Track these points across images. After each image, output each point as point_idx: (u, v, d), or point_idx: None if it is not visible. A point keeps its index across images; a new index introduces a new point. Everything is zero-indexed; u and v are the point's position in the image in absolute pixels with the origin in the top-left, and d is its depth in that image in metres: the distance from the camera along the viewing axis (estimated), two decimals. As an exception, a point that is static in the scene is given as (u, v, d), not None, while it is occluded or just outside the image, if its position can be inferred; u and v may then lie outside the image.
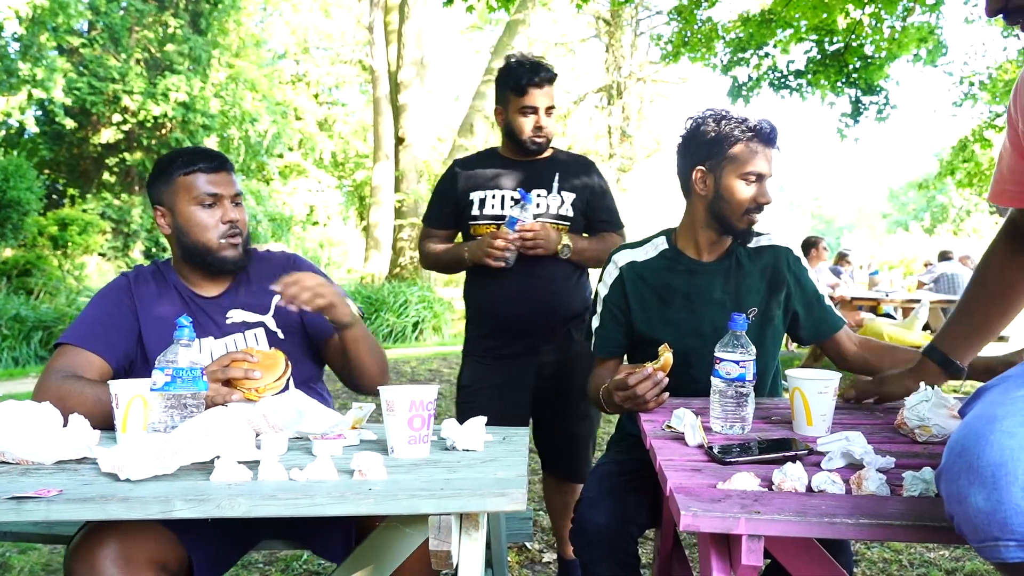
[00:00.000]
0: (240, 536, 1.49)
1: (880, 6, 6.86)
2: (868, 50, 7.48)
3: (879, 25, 7.26)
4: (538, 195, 2.18)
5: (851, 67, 7.48)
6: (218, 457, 1.09)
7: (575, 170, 2.24)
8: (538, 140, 2.17)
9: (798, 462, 1.07)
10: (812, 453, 1.20)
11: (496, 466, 1.17)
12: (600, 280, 1.78)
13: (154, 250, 14.17)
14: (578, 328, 2.21)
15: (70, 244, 12.55)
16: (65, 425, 1.26)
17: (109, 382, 1.29)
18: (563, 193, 2.19)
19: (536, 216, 2.15)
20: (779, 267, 1.70)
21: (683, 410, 1.32)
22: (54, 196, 14.79)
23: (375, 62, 14.37)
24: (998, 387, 0.89)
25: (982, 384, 0.95)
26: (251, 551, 1.60)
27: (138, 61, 13.95)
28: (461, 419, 1.35)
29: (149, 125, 13.76)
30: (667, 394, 1.48)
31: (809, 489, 1.03)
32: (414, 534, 1.19)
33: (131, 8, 14.02)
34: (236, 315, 1.63)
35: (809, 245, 7.12)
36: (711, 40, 7.69)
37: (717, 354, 1.36)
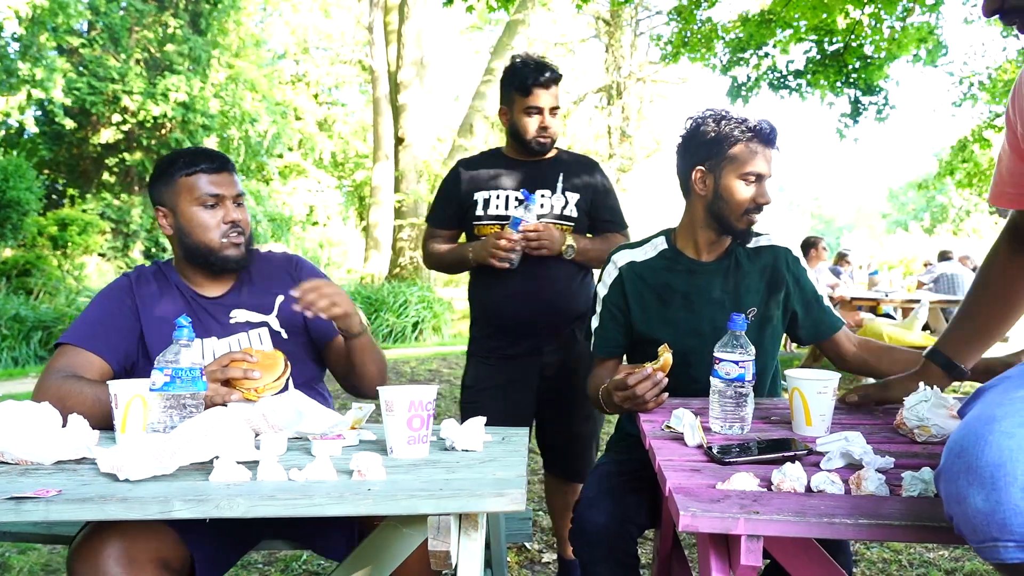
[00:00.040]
0: (242, 535, 1.49)
1: (880, 6, 6.86)
2: (868, 50, 7.48)
3: (879, 25, 7.26)
4: (542, 195, 2.18)
5: (850, 67, 7.48)
6: (217, 457, 1.09)
7: (579, 170, 2.24)
8: (543, 140, 2.17)
9: (797, 462, 1.07)
10: (811, 453, 1.20)
11: (495, 466, 1.17)
12: (599, 280, 1.78)
13: (154, 250, 14.17)
14: (582, 328, 2.21)
15: (70, 244, 12.56)
16: (64, 425, 1.26)
17: (108, 382, 1.29)
18: (567, 193, 2.19)
19: (540, 216, 2.14)
20: (778, 267, 1.70)
21: (682, 410, 1.32)
22: (54, 196, 14.80)
23: (375, 62, 14.37)
24: (997, 387, 0.89)
25: (981, 384, 0.95)
26: (251, 551, 1.60)
27: (138, 61, 13.96)
28: (465, 419, 1.35)
29: (149, 125, 13.76)
30: (666, 394, 1.48)
31: (808, 489, 1.03)
32: (413, 534, 1.19)
33: (131, 8, 14.03)
34: (240, 315, 1.63)
35: (809, 245, 7.13)
36: (711, 40, 7.69)
37: (716, 354, 1.36)
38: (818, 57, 7.63)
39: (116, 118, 13.55)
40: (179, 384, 1.23)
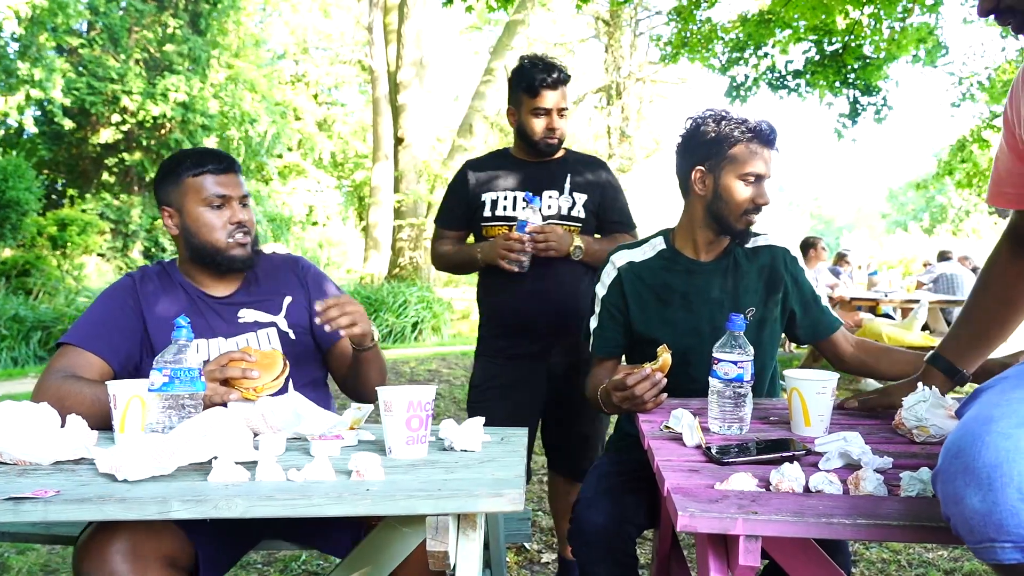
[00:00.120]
0: (244, 534, 1.49)
1: (879, 6, 6.86)
2: (867, 50, 7.48)
3: (878, 25, 7.26)
4: (549, 196, 2.17)
5: (850, 67, 7.49)
6: (216, 458, 1.09)
7: (587, 171, 2.24)
8: (550, 141, 2.16)
9: (796, 462, 1.07)
10: (810, 453, 1.20)
11: (494, 467, 1.17)
12: (598, 281, 1.78)
13: (153, 250, 14.17)
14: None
15: (69, 244, 12.55)
16: (63, 425, 1.26)
17: (107, 382, 1.29)
18: (575, 194, 2.18)
19: (547, 218, 2.14)
20: (776, 267, 1.70)
21: (681, 410, 1.32)
22: (53, 196, 14.80)
23: (374, 62, 14.37)
24: (995, 388, 0.89)
25: (979, 385, 0.95)
26: (252, 550, 1.60)
27: (137, 61, 13.95)
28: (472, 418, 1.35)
29: (148, 125, 13.76)
30: (665, 395, 1.48)
31: (807, 489, 1.03)
32: (412, 534, 1.19)
33: (130, 8, 14.03)
34: (248, 315, 1.64)
35: (808, 245, 7.13)
36: (710, 41, 7.70)
37: (715, 355, 1.36)
38: (817, 57, 7.63)
39: (115, 118, 13.55)
40: (178, 384, 1.23)
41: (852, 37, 7.32)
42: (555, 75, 2.12)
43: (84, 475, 1.11)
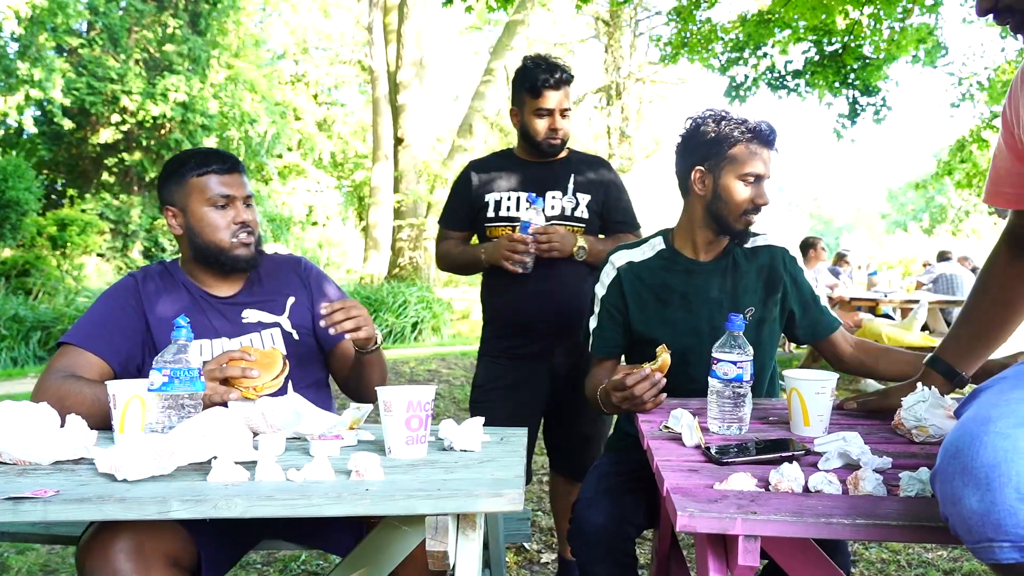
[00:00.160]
0: (246, 533, 1.50)
1: (879, 7, 6.86)
2: (867, 51, 7.48)
3: (878, 26, 7.26)
4: (553, 197, 2.17)
5: (849, 68, 7.49)
6: (215, 458, 1.09)
7: (590, 171, 2.23)
8: (553, 142, 2.16)
9: (795, 462, 1.07)
10: (809, 453, 1.20)
11: (493, 467, 1.17)
12: (598, 281, 1.78)
13: (153, 250, 14.17)
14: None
15: (69, 244, 12.56)
16: (63, 425, 1.26)
17: (107, 382, 1.29)
18: (578, 195, 2.18)
19: (550, 218, 2.14)
20: (775, 267, 1.71)
21: (680, 410, 1.32)
22: (53, 196, 14.80)
23: (374, 62, 14.37)
24: (993, 388, 0.89)
25: (978, 385, 0.95)
26: (252, 550, 1.60)
27: (137, 61, 13.96)
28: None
29: (148, 125, 13.76)
30: (664, 395, 1.48)
31: (806, 489, 1.03)
32: (411, 534, 1.19)
33: (130, 8, 14.03)
34: (251, 315, 1.64)
35: (808, 245, 7.13)
36: (710, 41, 7.69)
37: (714, 355, 1.36)
38: (817, 58, 7.63)
39: (115, 118, 13.55)
40: (177, 384, 1.24)
41: (852, 37, 7.32)
42: (557, 75, 2.11)
43: (84, 475, 1.11)
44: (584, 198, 2.18)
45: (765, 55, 7.75)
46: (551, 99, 2.12)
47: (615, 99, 16.44)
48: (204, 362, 1.44)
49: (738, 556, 0.94)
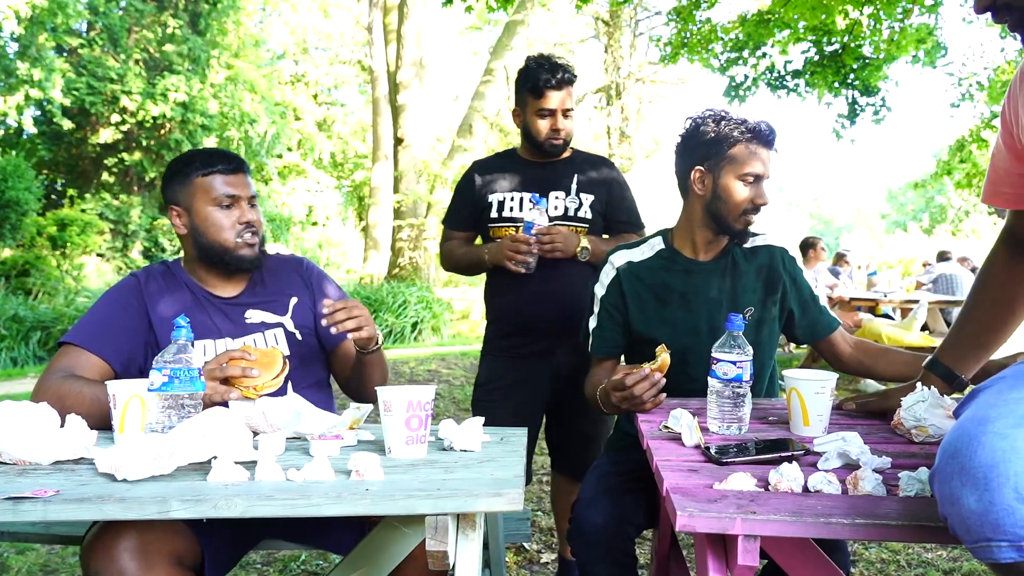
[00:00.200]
0: (249, 532, 1.50)
1: (879, 7, 6.86)
2: (866, 51, 7.48)
3: (878, 26, 7.26)
4: (556, 197, 2.17)
5: (849, 68, 7.48)
6: (215, 457, 1.09)
7: (593, 171, 2.23)
8: (555, 142, 2.16)
9: (794, 462, 1.08)
10: (809, 453, 1.21)
11: (493, 466, 1.17)
12: (597, 281, 1.78)
13: (153, 250, 14.18)
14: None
15: (69, 244, 12.56)
16: (62, 425, 1.26)
17: (107, 382, 1.29)
18: (581, 195, 2.18)
19: (553, 219, 2.14)
20: (774, 267, 1.71)
21: (680, 410, 1.32)
22: (53, 196, 14.80)
23: (374, 62, 14.37)
24: (992, 388, 0.89)
25: (976, 385, 0.95)
26: (251, 550, 1.61)
27: (137, 61, 13.96)
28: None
29: (148, 125, 13.76)
30: (664, 395, 1.48)
31: (805, 489, 1.03)
32: (411, 534, 1.19)
33: (130, 8, 14.04)
34: (255, 315, 1.64)
35: (807, 245, 7.13)
36: (710, 41, 7.69)
37: (714, 355, 1.36)
38: (816, 58, 7.63)
39: (115, 118, 13.55)
40: (177, 384, 1.24)
41: (851, 37, 7.32)
42: (559, 75, 2.11)
43: (84, 475, 1.11)
44: (587, 198, 2.18)
45: (765, 55, 7.75)
46: (553, 99, 2.12)
47: (615, 99, 16.44)
48: (205, 362, 1.44)
49: (737, 556, 0.94)
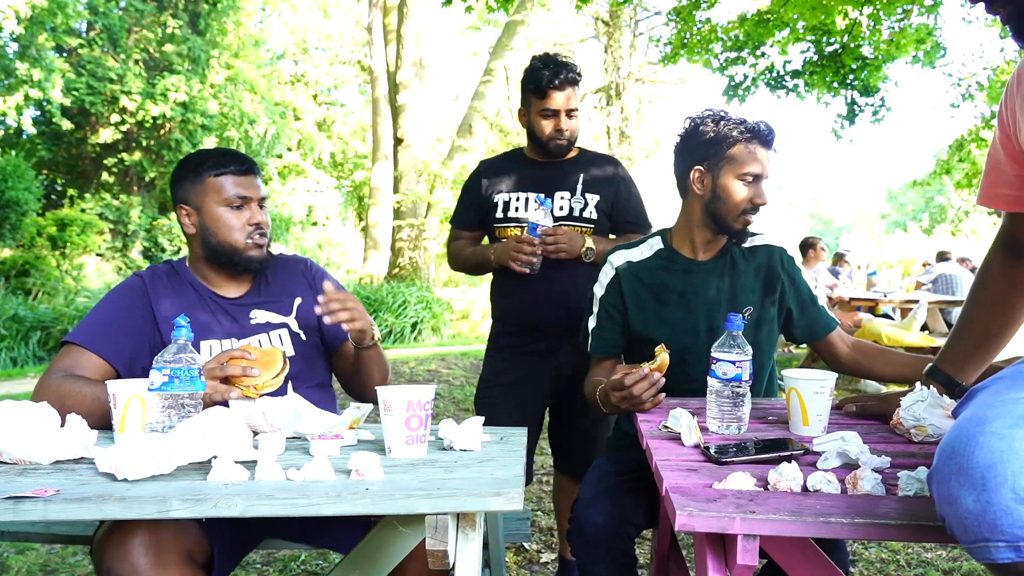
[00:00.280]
0: (254, 531, 1.50)
1: (878, 7, 6.86)
2: (866, 51, 7.48)
3: (877, 26, 7.26)
4: (561, 197, 2.17)
5: (848, 68, 7.49)
6: (215, 457, 1.09)
7: (600, 171, 2.22)
8: (559, 142, 2.15)
9: (794, 462, 1.08)
10: (808, 453, 1.21)
11: (493, 466, 1.18)
12: (596, 281, 1.78)
13: (153, 250, 14.17)
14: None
15: (69, 244, 12.56)
16: (63, 425, 1.26)
17: (107, 382, 1.29)
18: (587, 195, 2.17)
19: (559, 219, 2.14)
20: (773, 266, 1.71)
21: (680, 410, 1.32)
22: (53, 196, 14.80)
23: (374, 62, 14.37)
24: (989, 388, 0.89)
25: (975, 386, 0.95)
26: (254, 548, 1.61)
27: (137, 62, 13.96)
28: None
29: (148, 126, 13.77)
30: (663, 394, 1.49)
31: (805, 489, 1.04)
32: (411, 534, 1.20)
33: (130, 8, 14.04)
34: (259, 315, 1.65)
35: (807, 245, 7.13)
36: (709, 41, 7.69)
37: (713, 354, 1.36)
38: (816, 58, 7.63)
39: (115, 118, 13.55)
40: (177, 384, 1.24)
41: (851, 38, 7.32)
42: (563, 76, 2.10)
43: (84, 474, 1.11)
44: (593, 198, 2.18)
45: (764, 55, 7.75)
46: (556, 100, 2.11)
47: (615, 99, 16.44)
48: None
49: (737, 555, 0.94)
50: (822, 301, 1.77)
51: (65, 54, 13.49)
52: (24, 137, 13.88)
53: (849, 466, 1.13)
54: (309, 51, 20.82)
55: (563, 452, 2.33)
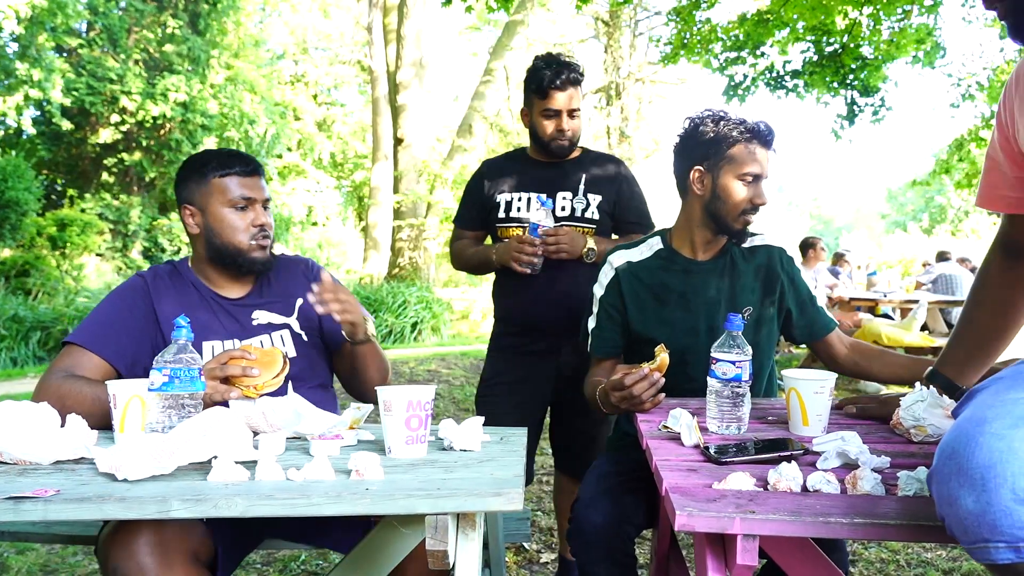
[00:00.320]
0: (251, 531, 1.50)
1: (878, 7, 6.86)
2: (866, 51, 7.48)
3: (877, 26, 7.26)
4: (563, 197, 2.17)
5: (848, 68, 7.49)
6: (215, 457, 1.09)
7: (602, 171, 2.22)
8: (561, 143, 2.15)
9: (793, 462, 1.08)
10: (808, 453, 1.21)
11: (493, 466, 1.18)
12: (596, 281, 1.78)
13: (153, 250, 14.17)
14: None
15: (69, 244, 12.55)
16: (63, 425, 1.26)
17: (107, 382, 1.29)
18: (589, 195, 2.17)
19: (560, 219, 2.14)
20: (772, 266, 1.71)
21: (679, 410, 1.32)
22: (53, 196, 14.80)
23: (374, 62, 14.37)
24: (989, 389, 0.89)
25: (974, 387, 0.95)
26: (254, 548, 1.61)
27: (137, 62, 13.96)
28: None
29: (148, 126, 13.77)
30: (663, 395, 1.49)
31: (804, 489, 1.04)
32: (411, 534, 1.20)
33: (130, 8, 14.04)
34: (261, 316, 1.65)
35: (807, 246, 7.12)
36: (709, 41, 7.69)
37: (713, 354, 1.36)
38: (815, 58, 7.63)
39: (115, 118, 13.55)
40: (177, 384, 1.24)
41: (851, 38, 7.32)
42: (564, 76, 2.09)
43: (84, 475, 1.11)
44: (595, 199, 2.17)
45: (764, 55, 7.75)
46: (558, 100, 2.11)
47: (615, 99, 16.43)
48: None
49: (737, 555, 0.94)
50: (822, 301, 1.77)
51: (65, 54, 13.49)
52: (24, 137, 13.88)
53: (849, 466, 1.13)
54: (309, 51, 20.82)
55: (563, 452, 2.33)
